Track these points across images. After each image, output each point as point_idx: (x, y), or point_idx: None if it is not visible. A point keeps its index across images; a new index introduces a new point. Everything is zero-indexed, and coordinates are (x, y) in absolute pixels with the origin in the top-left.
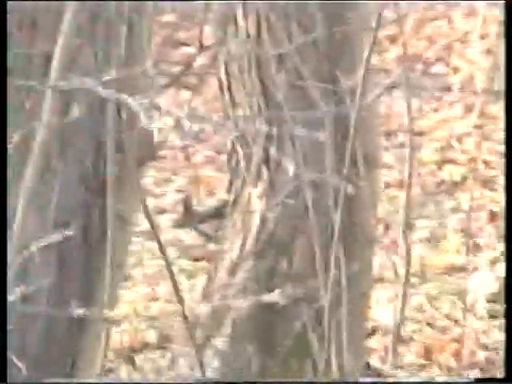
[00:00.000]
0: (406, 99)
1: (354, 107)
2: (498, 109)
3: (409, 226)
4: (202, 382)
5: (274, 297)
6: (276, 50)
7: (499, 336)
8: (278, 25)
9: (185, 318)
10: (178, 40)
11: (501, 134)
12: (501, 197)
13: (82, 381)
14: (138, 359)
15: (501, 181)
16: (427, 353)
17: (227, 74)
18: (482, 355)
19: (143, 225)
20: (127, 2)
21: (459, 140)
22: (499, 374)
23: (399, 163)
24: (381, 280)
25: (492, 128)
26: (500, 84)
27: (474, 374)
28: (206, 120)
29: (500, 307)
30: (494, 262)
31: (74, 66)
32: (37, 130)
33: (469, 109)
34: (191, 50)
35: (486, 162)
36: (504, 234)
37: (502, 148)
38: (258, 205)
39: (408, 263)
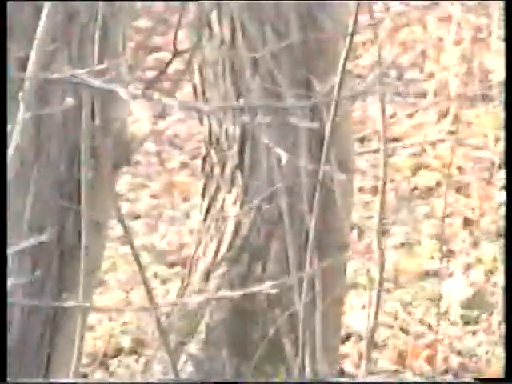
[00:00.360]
0: (380, 105)
1: (329, 113)
2: (473, 114)
3: (383, 232)
4: (201, 382)
5: (265, 288)
6: (250, 55)
7: (472, 342)
8: (252, 29)
9: (158, 323)
10: (152, 45)
11: (475, 140)
12: (475, 203)
13: (83, 381)
14: (112, 364)
15: (474, 186)
16: (401, 358)
17: (202, 78)
18: (455, 361)
19: (117, 230)
20: (101, 6)
21: (433, 146)
22: (471, 379)
23: (373, 169)
24: (355, 286)
25: (466, 134)
26: (474, 90)
27: (448, 379)
28: (195, 108)
29: (473, 313)
30: (467, 268)
31: (47, 70)
32: (11, 133)
33: (443, 114)
34: (166, 55)
35: (460, 168)
36: (504, 233)
37: (476, 154)
38: (232, 210)
39: (382, 269)
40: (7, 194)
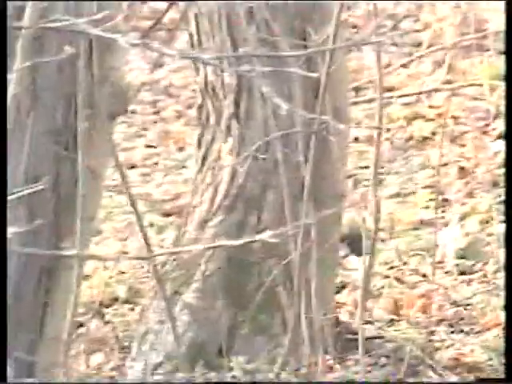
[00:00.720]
0: (376, 54)
1: (325, 63)
2: (468, 64)
3: (378, 182)
4: (204, 382)
5: (265, 237)
6: (246, 5)
7: (467, 291)
8: None
9: (154, 272)
10: None
11: (470, 90)
12: (470, 152)
13: (83, 381)
14: (108, 313)
15: (469, 136)
16: (395, 308)
17: (198, 28)
18: (450, 310)
19: (113, 179)
20: None
21: (428, 95)
22: (467, 328)
23: (368, 119)
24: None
25: (461, 83)
26: (470, 39)
27: (442, 329)
28: (195, 57)
29: (468, 263)
30: (463, 218)
31: (45, 19)
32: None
33: (438, 64)
34: (162, 4)
35: (455, 118)
36: (504, 233)
37: (471, 103)
38: (227, 159)
39: (377, 219)
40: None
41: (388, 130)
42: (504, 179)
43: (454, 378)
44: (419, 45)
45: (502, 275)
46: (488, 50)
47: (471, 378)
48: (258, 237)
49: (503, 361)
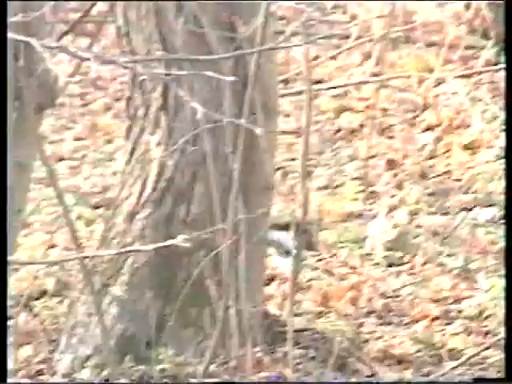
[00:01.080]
0: (304, 47)
1: (253, 55)
2: (396, 56)
3: (306, 174)
4: (202, 383)
5: (178, 242)
6: None
7: (396, 283)
8: None
9: (82, 266)
10: None
11: (398, 82)
12: (398, 144)
13: (83, 381)
14: (36, 306)
15: (398, 128)
16: (325, 300)
17: (125, 20)
18: (379, 302)
19: (41, 172)
20: None
21: (357, 87)
22: (396, 320)
23: (297, 111)
24: (277, 227)
25: (390, 75)
26: (398, 32)
27: (371, 321)
28: (111, 60)
29: (397, 254)
30: (391, 210)
31: None
32: None
33: (367, 56)
34: None
35: (383, 110)
36: (504, 233)
37: (399, 95)
38: (156, 152)
39: (305, 211)
40: None
41: (317, 122)
42: (504, 179)
43: (455, 378)
44: (347, 37)
45: (430, 266)
46: (415, 43)
47: (407, 372)
48: (169, 242)
49: (432, 352)
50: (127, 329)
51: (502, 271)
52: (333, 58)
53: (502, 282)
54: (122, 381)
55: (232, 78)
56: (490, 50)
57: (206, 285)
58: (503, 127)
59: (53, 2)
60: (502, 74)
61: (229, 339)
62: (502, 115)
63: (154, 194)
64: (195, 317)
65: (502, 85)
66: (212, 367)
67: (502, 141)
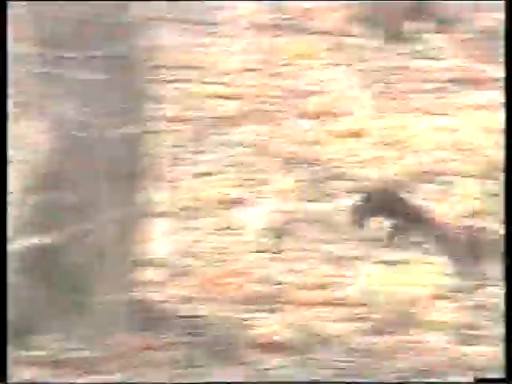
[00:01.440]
0: (177, 33)
1: (128, 43)
2: (285, 42)
3: (181, 160)
4: (204, 382)
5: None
6: None
7: (274, 270)
8: None
9: None
10: None
11: (283, 69)
12: (277, 131)
13: (83, 381)
14: None
15: (277, 115)
16: (204, 286)
17: None
18: (257, 288)
19: None
20: None
21: (240, 74)
22: (273, 306)
23: (171, 98)
24: (156, 214)
25: (274, 62)
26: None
27: (250, 307)
28: None
29: (275, 240)
30: (268, 197)
31: None
32: None
33: (251, 44)
34: None
35: (262, 96)
36: (504, 233)
37: (279, 83)
38: (41, 139)
39: (181, 197)
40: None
41: (193, 109)
42: (504, 179)
43: (455, 378)
44: (225, 23)
45: (305, 254)
46: (303, 30)
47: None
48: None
49: (311, 339)
50: (9, 315)
51: (383, 258)
52: (206, 45)
53: (379, 269)
54: (138, 381)
55: (101, 77)
56: (378, 39)
57: (85, 272)
58: (498, 125)
59: None
60: (386, 63)
61: (108, 326)
62: (383, 103)
63: (39, 181)
64: (76, 304)
65: (386, 73)
66: (94, 353)
67: (381, 128)
